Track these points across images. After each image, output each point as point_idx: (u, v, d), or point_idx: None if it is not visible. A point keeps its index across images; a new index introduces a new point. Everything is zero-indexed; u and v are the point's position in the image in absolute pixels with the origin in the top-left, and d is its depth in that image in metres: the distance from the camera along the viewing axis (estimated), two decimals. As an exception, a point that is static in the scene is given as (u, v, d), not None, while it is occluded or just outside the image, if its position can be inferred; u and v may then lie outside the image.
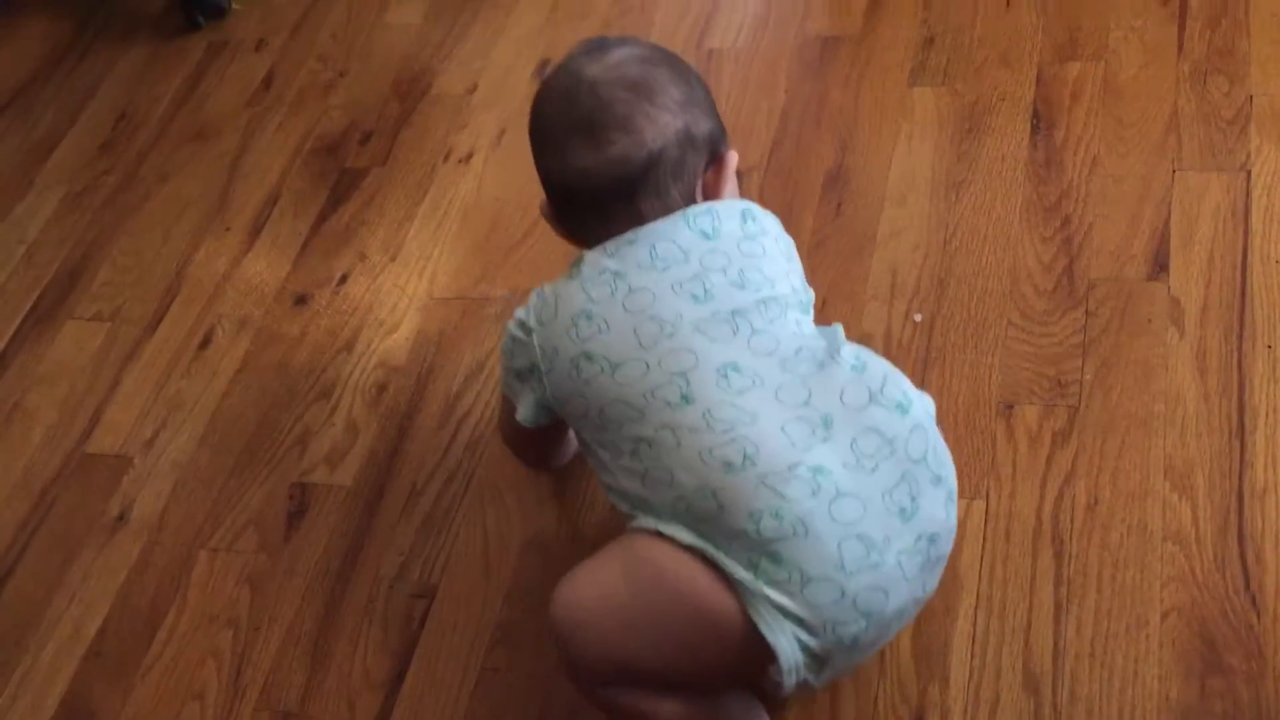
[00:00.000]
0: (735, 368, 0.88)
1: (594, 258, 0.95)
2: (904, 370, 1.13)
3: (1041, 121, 1.31)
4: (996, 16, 1.43)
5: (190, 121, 1.68)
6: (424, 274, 1.39)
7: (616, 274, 0.93)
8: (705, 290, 0.92)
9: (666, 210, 0.95)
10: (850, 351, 0.90)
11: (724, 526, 0.84)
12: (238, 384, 1.34)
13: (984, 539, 1.03)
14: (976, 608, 1.00)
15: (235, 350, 1.38)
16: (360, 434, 1.26)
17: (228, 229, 1.52)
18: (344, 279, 1.42)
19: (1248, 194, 1.19)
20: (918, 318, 1.18)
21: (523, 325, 0.97)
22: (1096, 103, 1.31)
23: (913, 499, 0.85)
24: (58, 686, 1.14)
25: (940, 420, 1.09)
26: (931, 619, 0.99)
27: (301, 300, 1.41)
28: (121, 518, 1.26)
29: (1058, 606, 0.98)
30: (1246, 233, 1.16)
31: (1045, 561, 1.01)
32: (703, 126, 0.97)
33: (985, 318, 1.17)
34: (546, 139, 0.98)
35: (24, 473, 1.33)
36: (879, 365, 0.91)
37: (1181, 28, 1.34)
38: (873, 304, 1.21)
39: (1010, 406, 1.10)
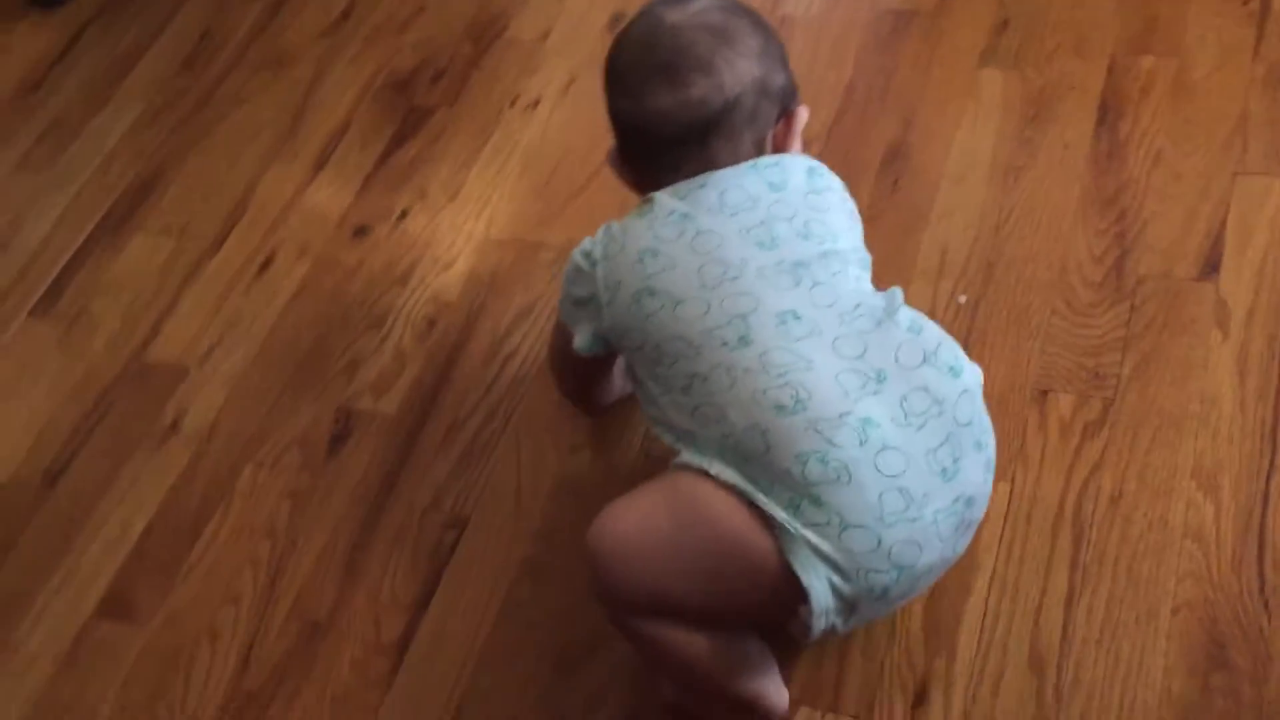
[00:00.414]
0: (795, 315, 0.91)
1: (664, 199, 0.98)
2: (943, 348, 1.15)
3: (1108, 113, 1.30)
4: (1074, 3, 1.42)
5: (269, 47, 1.71)
6: (482, 215, 1.42)
7: (686, 215, 0.95)
8: (771, 238, 0.94)
9: (737, 156, 0.98)
10: (907, 314, 0.92)
11: (770, 466, 0.86)
12: (294, 307, 1.38)
13: (1005, 519, 1.04)
14: (991, 585, 1.01)
15: (294, 274, 1.42)
16: (407, 365, 1.29)
17: (295, 156, 1.55)
18: (404, 214, 1.45)
19: (1308, 202, 1.18)
20: (962, 299, 1.19)
21: (588, 256, 1.00)
22: (1166, 98, 1.30)
23: (955, 460, 0.87)
24: (101, 581, 1.20)
25: (976, 400, 1.11)
26: (945, 593, 1.01)
27: (361, 231, 1.44)
28: (174, 426, 1.31)
29: (1071, 591, 1.00)
30: (1302, 241, 1.16)
31: (1063, 546, 1.02)
32: (778, 79, 1.00)
33: (1030, 304, 1.18)
34: (624, 80, 1.00)
35: (84, 375, 1.38)
36: (934, 330, 0.92)
37: (1260, 30, 1.33)
38: (920, 281, 1.22)
39: (1045, 393, 1.11)
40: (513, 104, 1.53)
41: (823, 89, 1.42)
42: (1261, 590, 0.97)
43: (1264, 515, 1.01)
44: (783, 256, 0.93)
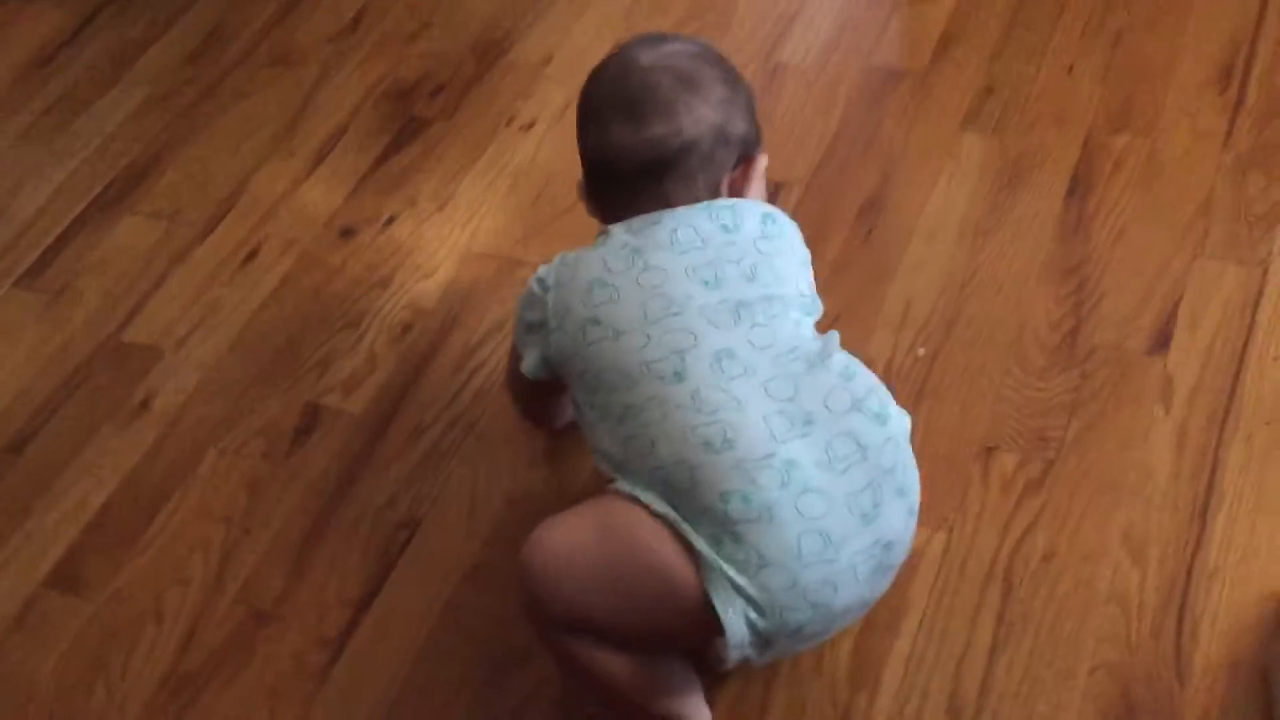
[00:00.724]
0: (730, 355, 0.93)
1: (618, 232, 1.01)
2: (897, 397, 1.18)
3: (1079, 185, 1.34)
4: (1058, 77, 1.46)
5: (277, 46, 1.75)
6: (467, 228, 1.45)
7: (636, 250, 0.99)
8: (716, 278, 0.97)
9: (691, 197, 1.01)
10: (841, 360, 0.95)
11: (695, 501, 0.89)
12: (273, 300, 1.41)
13: (939, 568, 1.07)
14: (919, 630, 1.04)
15: (277, 269, 1.45)
16: (378, 367, 1.32)
17: (292, 154, 1.59)
18: (391, 220, 1.48)
19: (1261, 291, 1.22)
20: (921, 351, 1.23)
21: (541, 282, 1.03)
22: (1136, 176, 1.34)
23: (875, 505, 0.90)
24: (56, 550, 1.22)
25: (923, 451, 1.13)
26: (874, 631, 1.04)
27: (348, 233, 1.47)
28: (144, 405, 1.33)
29: (994, 644, 1.02)
30: (1251, 327, 1.19)
31: (992, 600, 1.05)
32: (739, 127, 1.03)
33: (985, 362, 1.21)
34: (591, 114, 1.04)
35: (62, 348, 1.41)
36: (866, 377, 0.95)
37: (1233, 119, 1.37)
38: (882, 331, 1.25)
39: (991, 450, 1.15)
40: (508, 123, 1.57)
41: (809, 135, 1.46)
42: (1177, 659, 1.00)
43: (1187, 587, 1.04)
44: (726, 296, 0.96)
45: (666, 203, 1.01)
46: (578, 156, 1.07)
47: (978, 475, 1.13)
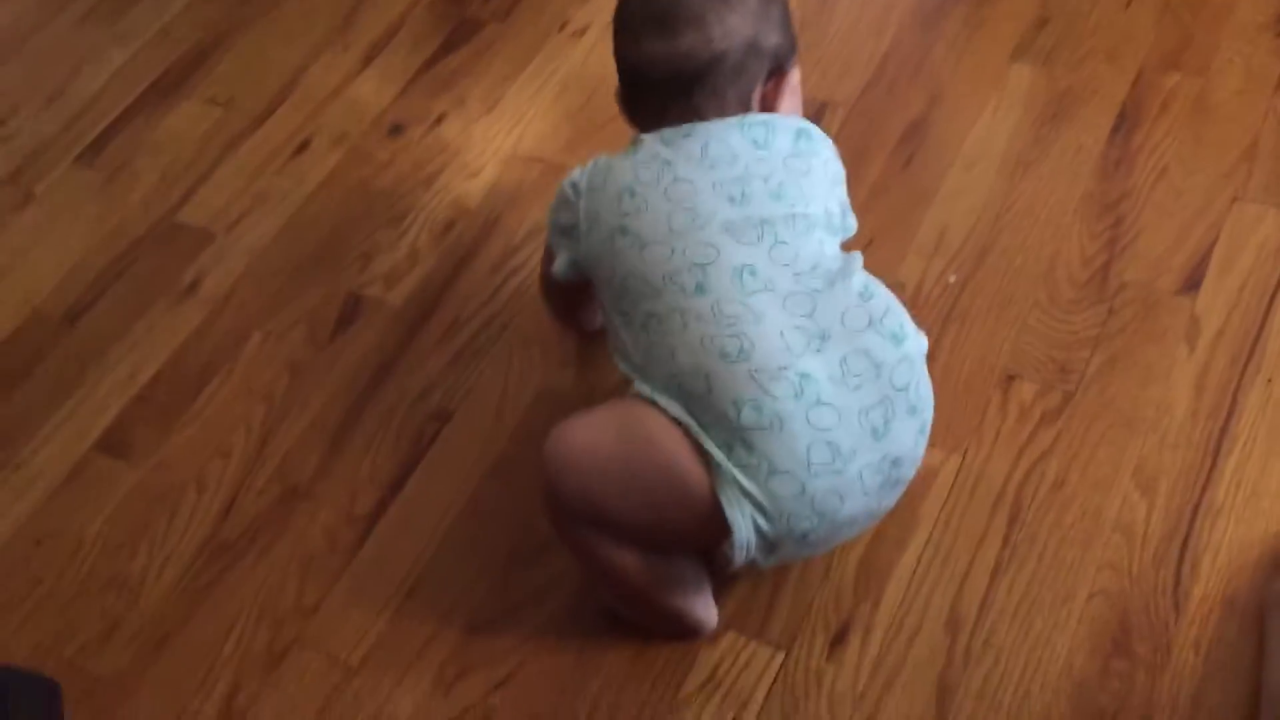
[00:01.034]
0: (752, 270, 0.96)
1: (650, 142, 1.02)
2: (922, 322, 1.20)
3: (1125, 122, 1.34)
4: (1115, 11, 1.45)
5: (338, -61, 1.76)
6: (513, 131, 1.47)
7: (667, 162, 1.00)
8: (743, 194, 0.99)
9: (721, 109, 1.02)
10: (861, 279, 0.97)
11: (709, 407, 0.92)
12: (321, 192, 1.45)
13: (950, 490, 1.10)
14: (925, 546, 1.07)
15: (326, 161, 1.48)
16: (420, 262, 1.36)
17: (346, 48, 1.61)
18: (440, 119, 1.50)
19: (1297, 236, 1.22)
20: (952, 279, 1.24)
21: (575, 187, 1.05)
22: (1183, 116, 1.33)
23: (886, 422, 0.93)
24: (104, 418, 1.27)
25: (944, 375, 1.17)
26: (882, 544, 1.07)
27: (397, 129, 1.50)
28: (193, 286, 1.38)
29: (997, 565, 1.05)
30: (1284, 272, 1.20)
31: (999, 523, 1.08)
32: (771, 39, 1.03)
33: (1014, 292, 1.22)
34: (625, 25, 1.05)
35: (118, 225, 1.45)
36: (884, 297, 0.97)
37: (1287, 63, 1.36)
38: (914, 256, 1.27)
39: (1012, 378, 1.16)
40: (561, 29, 1.58)
41: (859, 56, 1.46)
42: (1175, 589, 1.02)
43: (1192, 522, 1.06)
44: (750, 213, 0.98)
45: (697, 115, 1.02)
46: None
47: (996, 402, 1.15)
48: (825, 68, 1.45)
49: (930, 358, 1.17)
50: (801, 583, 1.06)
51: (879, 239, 1.28)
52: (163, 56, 1.65)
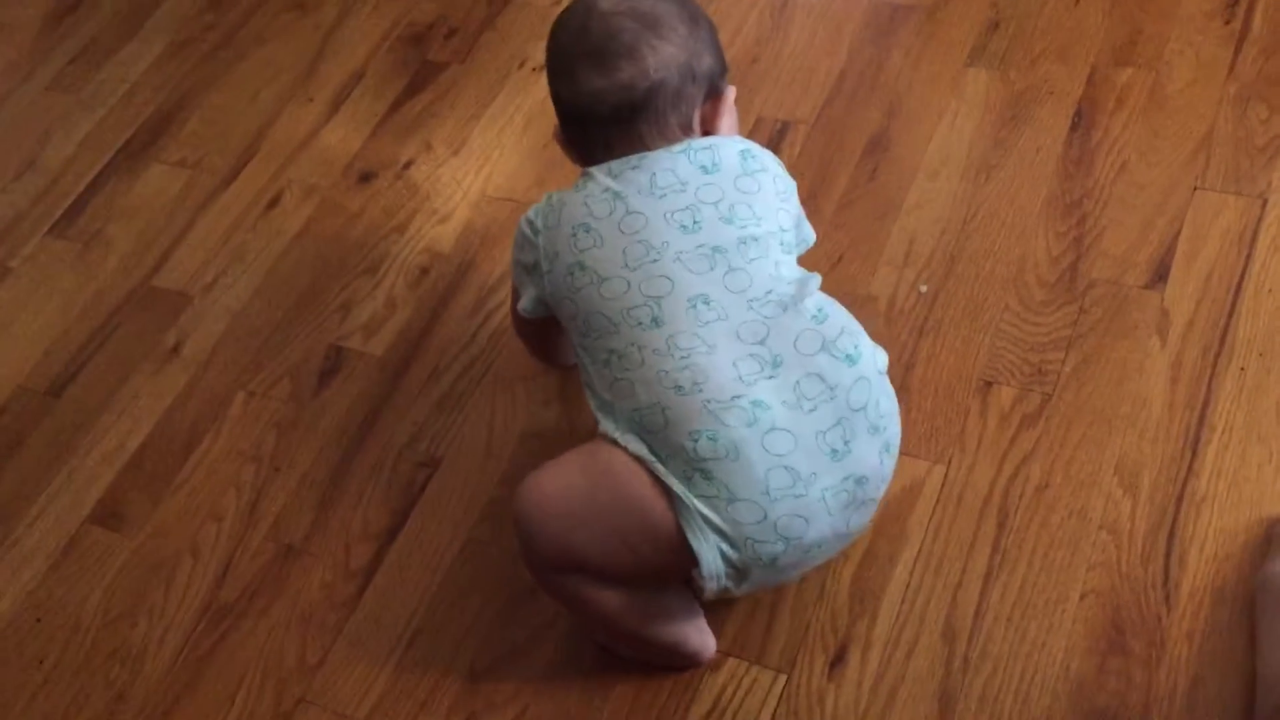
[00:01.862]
0: (706, 300, 0.97)
1: (599, 176, 1.03)
2: (897, 334, 1.22)
3: (1082, 120, 1.36)
4: (1064, 10, 1.47)
5: (294, -9, 1.78)
6: (481, 172, 1.48)
7: (618, 195, 1.02)
8: (694, 222, 1.00)
9: (665, 136, 1.04)
10: (815, 302, 0.98)
11: (667, 441, 0.94)
12: (296, 246, 1.46)
13: (937, 500, 1.11)
14: (916, 560, 1.08)
15: (299, 214, 1.49)
16: (398, 310, 1.37)
17: (311, 99, 1.62)
18: (408, 164, 1.51)
19: (1259, 222, 1.24)
20: (923, 288, 1.26)
21: (531, 224, 1.06)
22: (1139, 110, 1.35)
23: (846, 442, 0.94)
24: (97, 488, 1.28)
25: (923, 386, 1.18)
26: (874, 560, 1.09)
27: (366, 178, 1.51)
28: (175, 350, 1.39)
29: (989, 572, 1.07)
30: (1248, 259, 1.21)
31: (988, 530, 1.09)
32: (704, 62, 1.05)
33: (986, 298, 1.24)
34: (560, 65, 1.06)
35: (95, 294, 1.46)
36: (839, 318, 0.98)
37: (1237, 50, 1.38)
38: (885, 268, 1.28)
39: (990, 384, 1.18)
40: (520, 65, 1.59)
41: (816, 72, 1.48)
42: (1165, 583, 1.04)
43: (1177, 515, 1.07)
44: (703, 240, 0.99)
45: (642, 144, 1.03)
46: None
47: (976, 409, 1.17)
48: (784, 87, 1.47)
49: (908, 368, 1.20)
50: (798, 604, 1.08)
51: (849, 253, 1.30)
52: (129, 120, 1.66)
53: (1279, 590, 0.99)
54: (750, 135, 1.42)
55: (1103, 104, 1.37)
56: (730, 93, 1.08)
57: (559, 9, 1.63)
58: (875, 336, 1.16)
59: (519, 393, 1.27)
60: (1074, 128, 1.35)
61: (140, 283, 1.47)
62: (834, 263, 1.29)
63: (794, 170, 1.37)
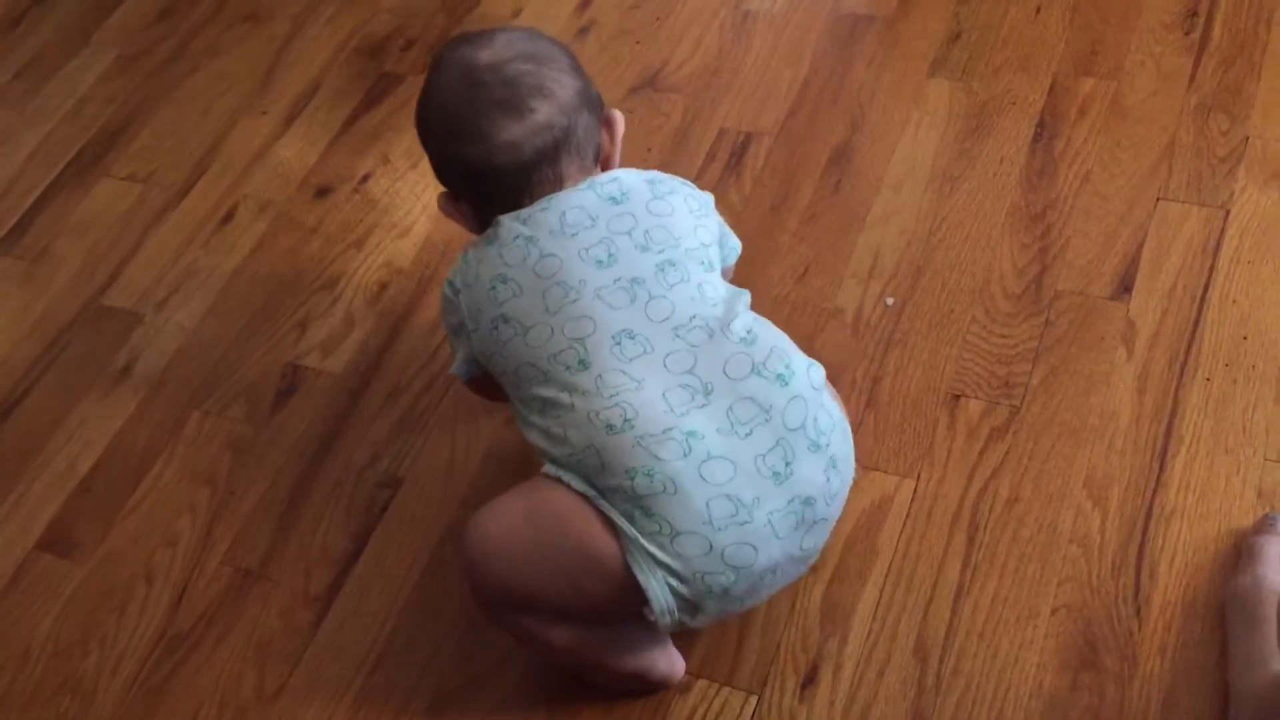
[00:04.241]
0: (630, 335, 0.95)
1: (508, 224, 1.00)
2: (865, 348, 1.21)
3: (1045, 131, 1.36)
4: (1025, 21, 1.47)
5: (247, 2, 1.75)
6: (440, 185, 1.46)
7: (529, 239, 0.99)
8: (610, 255, 0.98)
9: (585, 169, 1.02)
10: (743, 323, 0.96)
11: (605, 481, 0.91)
12: (251, 262, 1.42)
13: (907, 516, 1.10)
14: (887, 576, 1.07)
15: (254, 230, 1.46)
16: (356, 327, 1.34)
17: (265, 112, 1.59)
18: (365, 178, 1.49)
19: (1222, 232, 1.24)
20: (889, 301, 1.25)
21: (452, 285, 1.03)
22: (1101, 120, 1.35)
23: (787, 464, 0.92)
24: (46, 514, 1.24)
25: (891, 399, 1.17)
26: (844, 578, 1.07)
27: (323, 192, 1.48)
28: (126, 370, 1.35)
29: (960, 587, 1.06)
30: (1212, 269, 1.21)
31: (958, 545, 1.08)
32: (590, 88, 1.04)
33: (952, 310, 1.23)
34: (461, 125, 1.00)
35: (43, 314, 1.42)
36: (769, 338, 0.96)
37: (1197, 61, 1.38)
38: (850, 281, 1.27)
39: (958, 397, 1.17)
40: (479, 77, 1.57)
41: (778, 84, 1.46)
42: (1136, 597, 1.03)
43: (1146, 527, 1.07)
44: (620, 273, 0.97)
45: (561, 184, 1.01)
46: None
47: (944, 422, 1.16)
48: (746, 98, 1.46)
49: (875, 381, 1.19)
50: (768, 624, 1.06)
51: (814, 266, 1.29)
52: (77, 134, 1.62)
53: (1249, 603, 0.99)
54: (712, 147, 1.41)
55: (1065, 114, 1.36)
56: (618, 117, 1.07)
57: (516, 21, 1.62)
58: (841, 350, 1.16)
59: (480, 412, 1.24)
60: (1037, 138, 1.35)
61: (89, 301, 1.43)
62: (799, 275, 1.28)
63: (757, 183, 1.37)
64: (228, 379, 1.32)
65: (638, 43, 1.54)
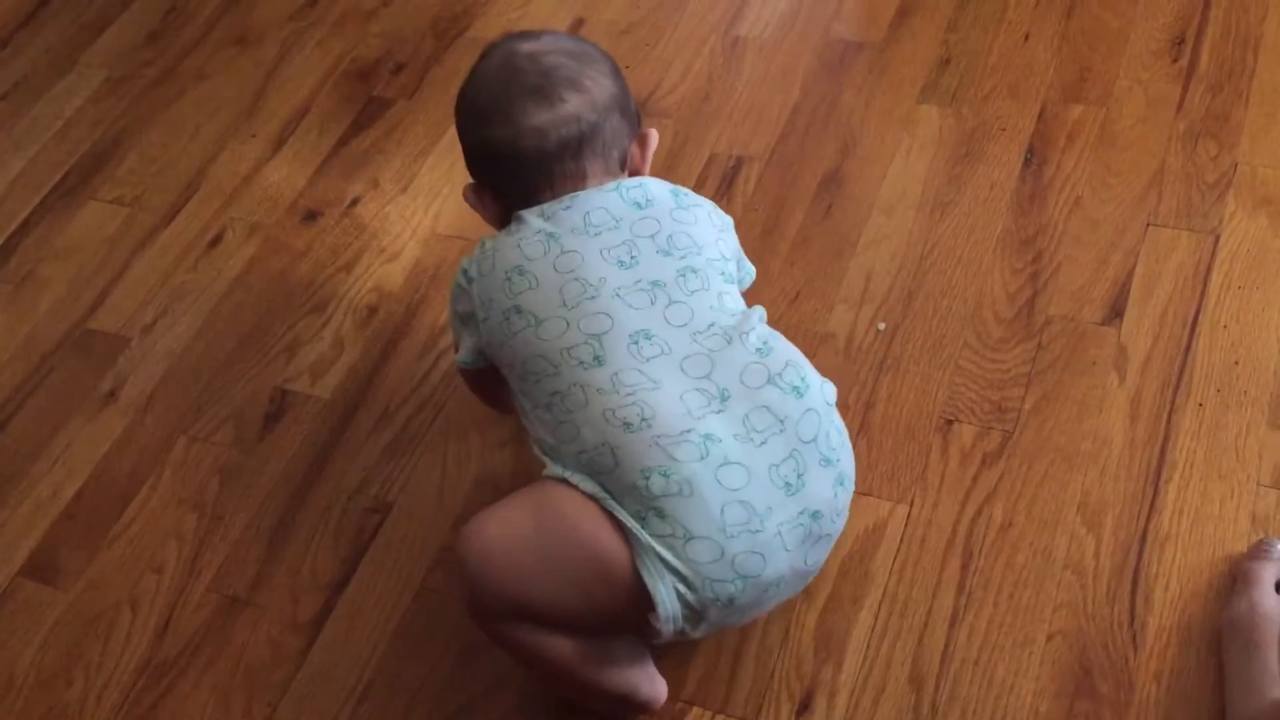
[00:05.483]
0: (647, 335, 0.95)
1: (531, 218, 1.02)
2: (856, 372, 1.21)
3: (1034, 156, 1.36)
4: (1014, 48, 1.47)
5: (235, 25, 1.74)
6: (430, 209, 1.46)
7: (551, 235, 1.00)
8: (632, 257, 0.98)
9: (608, 171, 1.03)
10: (759, 335, 0.97)
11: (618, 481, 0.91)
12: (239, 286, 1.42)
13: (901, 541, 1.10)
14: (881, 602, 1.07)
15: (242, 253, 1.45)
16: (345, 351, 1.33)
17: (253, 135, 1.58)
18: (355, 202, 1.48)
19: (1212, 257, 1.24)
20: (881, 326, 1.24)
21: (465, 273, 1.03)
22: (1090, 146, 1.36)
23: (799, 475, 0.92)
24: (30, 540, 1.23)
25: (884, 425, 1.17)
26: (838, 605, 1.07)
27: (312, 216, 1.48)
28: (112, 394, 1.34)
29: (955, 614, 1.05)
30: (1203, 294, 1.22)
31: (952, 571, 1.07)
32: (630, 100, 1.05)
33: (944, 335, 1.23)
34: (490, 110, 1.02)
35: (27, 338, 1.41)
36: (784, 351, 0.96)
37: (1185, 87, 1.39)
38: (841, 306, 1.27)
39: (951, 422, 1.17)
40: (469, 101, 1.57)
41: (769, 110, 1.47)
42: (1131, 623, 1.03)
43: (1140, 553, 1.06)
44: (641, 275, 0.98)
45: (583, 179, 1.02)
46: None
47: (938, 447, 1.15)
48: (737, 123, 1.46)
49: (868, 407, 1.19)
50: (762, 650, 1.05)
51: (805, 291, 1.28)
52: (64, 158, 1.61)
53: (1245, 629, 0.98)
54: (703, 172, 1.41)
55: (1054, 140, 1.37)
56: (653, 135, 1.08)
57: (507, 45, 1.62)
58: (834, 374, 1.15)
59: (471, 435, 1.24)
60: (1026, 164, 1.35)
61: (75, 325, 1.41)
62: (791, 300, 1.28)
63: (748, 207, 1.37)
64: (215, 403, 1.31)
65: (628, 67, 1.55)
